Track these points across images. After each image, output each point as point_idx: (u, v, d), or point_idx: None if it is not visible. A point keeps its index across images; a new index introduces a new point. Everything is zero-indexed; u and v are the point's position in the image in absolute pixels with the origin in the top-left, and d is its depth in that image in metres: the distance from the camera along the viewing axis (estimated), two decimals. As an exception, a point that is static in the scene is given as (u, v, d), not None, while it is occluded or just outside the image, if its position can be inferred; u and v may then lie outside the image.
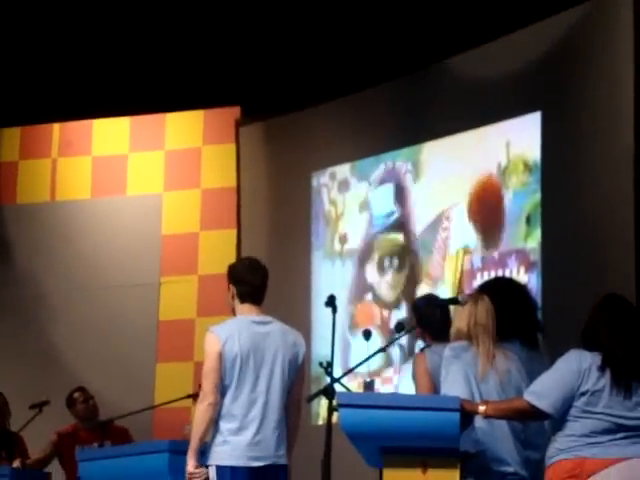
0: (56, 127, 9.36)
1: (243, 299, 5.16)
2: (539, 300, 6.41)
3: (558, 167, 6.90)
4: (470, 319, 4.66)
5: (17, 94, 9.02)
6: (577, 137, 6.81)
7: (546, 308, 6.32)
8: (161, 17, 8.38)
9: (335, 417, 4.79)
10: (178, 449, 5.38)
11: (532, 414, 4.34)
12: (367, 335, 5.61)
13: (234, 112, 8.94)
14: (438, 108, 7.65)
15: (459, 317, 4.79)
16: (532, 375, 4.49)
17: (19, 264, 9.32)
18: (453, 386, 4.57)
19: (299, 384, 5.16)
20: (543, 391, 4.30)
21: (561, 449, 4.31)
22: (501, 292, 4.68)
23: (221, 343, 5.03)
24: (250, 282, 5.11)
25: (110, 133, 9.30)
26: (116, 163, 9.24)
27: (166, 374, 8.74)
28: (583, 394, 4.28)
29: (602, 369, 4.25)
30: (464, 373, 4.57)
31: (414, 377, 5.52)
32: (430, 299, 5.72)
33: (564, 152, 6.88)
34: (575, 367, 4.30)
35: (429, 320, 5.54)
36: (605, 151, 6.61)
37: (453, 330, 4.81)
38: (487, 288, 4.75)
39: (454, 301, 4.81)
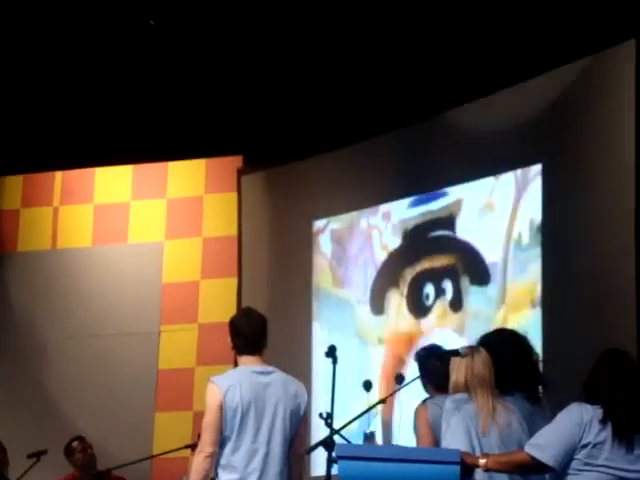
0: (58, 175, 9.39)
1: (242, 350, 5.16)
2: (540, 351, 6.39)
3: (559, 219, 6.91)
4: (467, 372, 4.65)
5: (19, 142, 9.06)
6: (578, 190, 6.84)
7: (547, 360, 6.30)
8: (164, 66, 8.44)
9: (335, 469, 4.75)
10: (176, 500, 5.35)
11: (534, 467, 4.32)
12: (367, 386, 5.58)
13: (236, 161, 8.97)
14: (437, 159, 7.69)
15: (457, 370, 4.78)
16: (533, 428, 4.48)
17: (19, 312, 9.30)
18: (454, 439, 4.55)
19: (301, 435, 5.14)
20: (545, 444, 4.29)
21: (562, 503, 4.29)
22: (501, 344, 4.68)
23: (222, 393, 5.02)
24: (247, 333, 5.12)
25: (112, 181, 9.32)
26: (118, 211, 9.26)
27: (165, 424, 8.69)
28: (584, 447, 4.27)
29: (603, 422, 4.24)
30: (465, 426, 4.55)
31: (415, 429, 5.50)
32: (432, 350, 5.71)
33: (565, 205, 6.90)
34: (577, 420, 4.29)
35: (430, 371, 5.52)
36: (607, 204, 6.63)
37: (451, 383, 4.80)
38: (487, 340, 4.75)
39: (454, 353, 4.81)
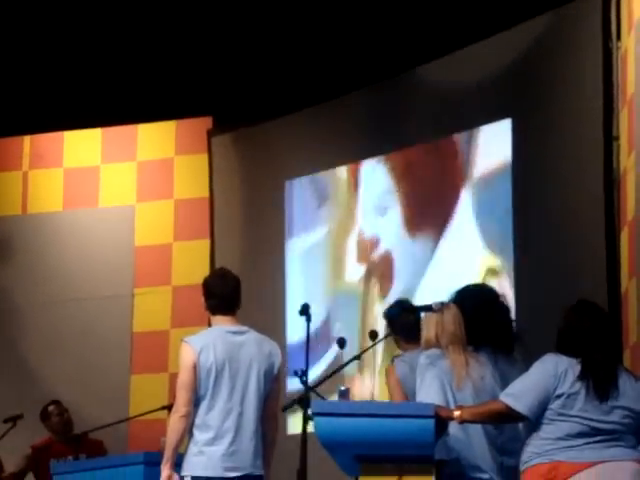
0: (27, 139, 9.31)
1: (215, 310, 5.17)
2: (512, 303, 6.45)
3: (528, 171, 6.93)
4: (437, 328, 4.68)
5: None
6: (546, 141, 6.85)
7: (519, 311, 6.35)
8: (131, 28, 8.36)
9: (310, 426, 4.78)
10: (153, 461, 5.36)
11: (508, 416, 4.36)
12: (341, 344, 5.61)
13: (206, 122, 8.92)
14: (407, 116, 7.67)
15: (427, 327, 4.81)
16: (506, 381, 4.50)
17: (-10, 277, 9.26)
18: (428, 394, 4.58)
19: (275, 394, 5.16)
20: (519, 393, 4.33)
21: (536, 452, 4.33)
22: (471, 299, 4.69)
23: (196, 354, 5.03)
24: (220, 293, 5.12)
25: (81, 145, 9.26)
26: (88, 175, 9.20)
27: (140, 386, 8.70)
28: (559, 397, 4.30)
29: (581, 374, 4.27)
30: (439, 381, 4.58)
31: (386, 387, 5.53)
32: (402, 305, 5.73)
33: (534, 157, 6.92)
34: (551, 370, 4.32)
35: (403, 326, 5.55)
36: (574, 153, 6.66)
37: (423, 339, 4.83)
38: (459, 295, 4.77)
39: (427, 308, 4.82)
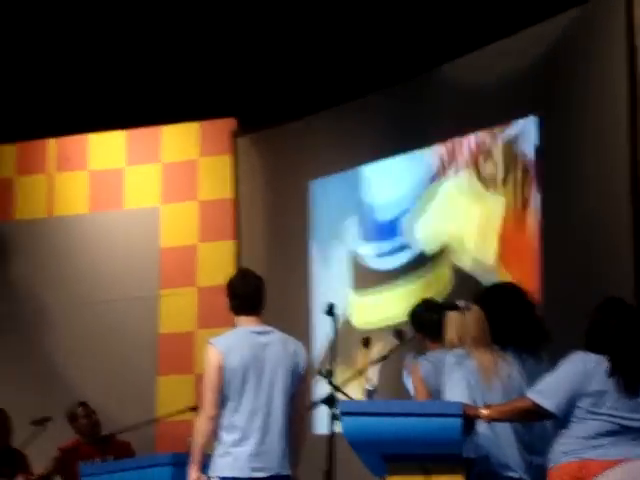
0: (52, 142, 9.36)
1: (240, 311, 5.17)
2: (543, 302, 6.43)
3: (556, 169, 6.90)
4: (460, 329, 4.67)
5: (12, 110, 9.01)
6: (573, 139, 6.82)
7: (547, 310, 6.32)
8: (155, 30, 8.38)
9: (338, 426, 4.77)
10: (181, 462, 5.36)
11: (536, 414, 4.34)
12: (366, 343, 5.60)
13: (230, 123, 8.94)
14: (431, 115, 7.66)
15: (449, 327, 4.81)
16: (533, 380, 4.48)
17: (19, 281, 9.30)
18: (455, 393, 4.57)
19: (302, 394, 5.15)
20: (547, 390, 4.31)
21: (564, 451, 4.30)
22: (495, 298, 4.67)
23: (222, 355, 5.03)
24: (243, 293, 5.13)
25: (106, 147, 9.29)
26: (113, 177, 9.24)
27: (167, 387, 8.72)
28: (588, 395, 4.28)
29: (610, 371, 4.25)
30: (466, 380, 4.57)
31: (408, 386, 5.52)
32: (428, 304, 5.72)
33: (561, 154, 6.89)
34: (580, 368, 4.31)
35: (427, 325, 5.53)
36: (601, 151, 6.62)
37: (446, 339, 4.82)
38: (482, 296, 4.75)
39: (452, 307, 4.81)
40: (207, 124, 9.03)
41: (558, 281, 6.73)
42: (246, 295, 5.13)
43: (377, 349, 6.32)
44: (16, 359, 9.08)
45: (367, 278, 8.00)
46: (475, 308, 4.65)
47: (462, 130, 7.48)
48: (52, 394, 8.67)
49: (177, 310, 8.89)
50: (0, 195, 9.45)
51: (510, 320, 4.61)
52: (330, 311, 5.17)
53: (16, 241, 9.36)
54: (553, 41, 6.95)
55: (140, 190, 9.19)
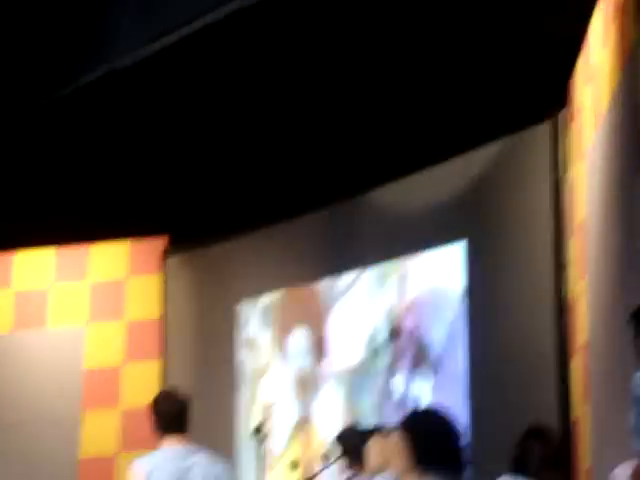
0: (-23, 259, 9.25)
1: (164, 430, 5.09)
2: (468, 427, 6.42)
3: (482, 296, 6.98)
4: (381, 456, 4.65)
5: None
6: (499, 266, 6.92)
7: (474, 435, 6.32)
8: (86, 147, 8.41)
9: None
10: None
11: None
12: (294, 466, 5.54)
13: (161, 242, 8.93)
14: (361, 239, 7.74)
15: (371, 454, 4.78)
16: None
17: None
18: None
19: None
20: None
21: None
22: (420, 423, 4.66)
23: (145, 476, 4.93)
24: (167, 413, 5.06)
25: (32, 265, 9.19)
26: (37, 296, 9.12)
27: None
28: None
29: None
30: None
31: None
32: (352, 430, 5.73)
33: (487, 281, 6.98)
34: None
35: (355, 450, 5.51)
36: (525, 279, 6.72)
37: (368, 465, 4.79)
38: (406, 420, 4.75)
39: (377, 430, 4.79)
40: (137, 243, 9.00)
41: (486, 409, 6.74)
42: (170, 414, 5.06)
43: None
44: None
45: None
46: (394, 434, 4.64)
47: (390, 255, 7.56)
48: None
49: (99, 432, 8.71)
50: None
51: (434, 445, 4.59)
52: (258, 431, 5.12)
53: None
54: (479, 171, 7.12)
55: (66, 309, 9.08)
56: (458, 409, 6.76)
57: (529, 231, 6.76)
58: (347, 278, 7.77)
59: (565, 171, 6.52)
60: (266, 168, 8.15)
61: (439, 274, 7.24)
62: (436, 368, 7.14)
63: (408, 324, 7.35)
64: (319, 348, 7.90)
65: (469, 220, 7.15)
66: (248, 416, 8.04)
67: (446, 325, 7.12)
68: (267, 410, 7.96)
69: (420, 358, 7.24)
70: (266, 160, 8.12)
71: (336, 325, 7.79)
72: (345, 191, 7.81)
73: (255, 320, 8.27)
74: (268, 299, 8.24)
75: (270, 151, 8.07)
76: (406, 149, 7.43)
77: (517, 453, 4.40)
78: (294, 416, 7.87)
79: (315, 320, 7.93)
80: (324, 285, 7.90)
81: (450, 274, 7.16)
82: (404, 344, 7.34)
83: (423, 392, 7.18)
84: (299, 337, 8.00)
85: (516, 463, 4.38)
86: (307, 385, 7.92)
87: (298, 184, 8.03)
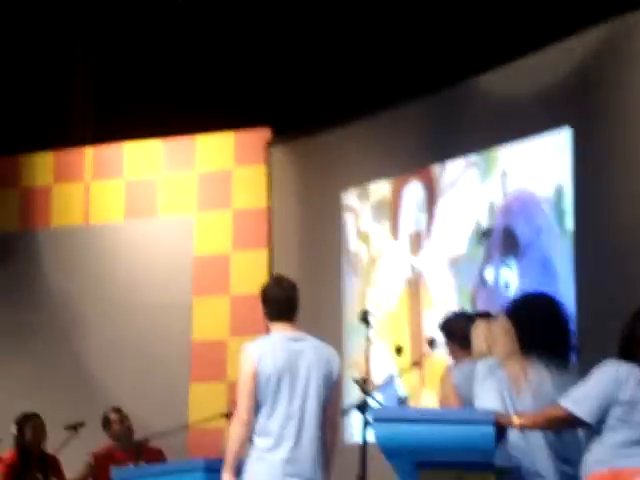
0: (89, 151, 9.45)
1: (274, 317, 5.19)
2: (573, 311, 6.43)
3: (591, 184, 6.90)
4: (488, 339, 4.68)
5: (49, 118, 9.11)
6: (606, 150, 6.82)
7: (581, 321, 6.31)
8: (192, 41, 8.46)
9: (370, 433, 4.79)
10: (213, 468, 5.38)
11: (568, 422, 4.34)
12: (399, 351, 5.62)
13: (264, 133, 9.00)
14: (466, 126, 7.67)
15: (478, 337, 4.82)
16: (561, 390, 4.48)
17: (54, 288, 9.39)
18: (486, 402, 4.58)
19: (335, 400, 5.16)
20: (580, 398, 4.30)
21: (596, 460, 4.30)
22: (524, 309, 4.68)
23: (256, 361, 5.06)
24: (277, 299, 5.15)
25: (141, 156, 9.37)
26: (148, 186, 9.31)
27: (200, 395, 8.76)
28: (620, 404, 4.28)
29: None
30: (498, 389, 4.57)
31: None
32: (459, 313, 5.76)
33: (596, 169, 6.89)
34: (613, 376, 4.30)
35: (459, 334, 5.54)
36: (637, 166, 6.62)
37: (474, 350, 4.83)
38: (511, 306, 4.76)
39: (485, 314, 4.83)
40: (242, 134, 9.09)
41: (593, 290, 6.72)
42: (280, 301, 5.16)
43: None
44: (51, 365, 9.16)
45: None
46: (501, 318, 4.66)
47: (495, 142, 7.50)
48: (86, 400, 8.74)
49: (210, 318, 8.94)
50: (37, 203, 9.55)
51: (538, 331, 4.61)
52: (364, 318, 5.19)
53: (52, 249, 9.45)
54: (586, 54, 6.96)
55: (175, 199, 9.25)
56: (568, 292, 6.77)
57: (639, 114, 6.62)
58: (453, 171, 7.73)
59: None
60: (370, 55, 8.09)
61: (541, 166, 7.16)
62: (522, 256, 7.12)
63: (502, 220, 7.34)
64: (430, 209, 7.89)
65: (575, 105, 7.03)
66: (357, 303, 8.17)
67: (537, 220, 7.08)
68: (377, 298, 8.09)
69: (509, 248, 7.22)
70: (370, 47, 8.06)
71: (444, 214, 7.80)
72: (450, 77, 7.72)
73: (368, 214, 8.30)
74: (380, 192, 8.23)
75: (374, 37, 8.01)
76: (509, 34, 7.29)
77: (624, 335, 4.38)
78: (406, 271, 7.96)
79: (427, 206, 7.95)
80: (434, 172, 7.88)
81: (552, 165, 7.08)
82: (497, 238, 7.33)
83: (511, 279, 7.17)
84: (414, 189, 7.98)
85: (623, 346, 4.36)
86: (418, 242, 7.94)
87: (402, 71, 7.96)
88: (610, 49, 6.84)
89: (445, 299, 7.58)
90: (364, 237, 8.30)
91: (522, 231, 7.20)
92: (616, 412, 4.28)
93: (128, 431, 7.39)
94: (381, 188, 8.24)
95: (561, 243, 7.02)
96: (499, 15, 7.41)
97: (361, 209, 8.34)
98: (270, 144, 8.94)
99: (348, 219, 8.44)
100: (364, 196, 8.34)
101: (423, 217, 7.92)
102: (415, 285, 7.88)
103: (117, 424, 7.39)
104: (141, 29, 8.40)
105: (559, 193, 7.06)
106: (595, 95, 6.94)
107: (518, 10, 7.28)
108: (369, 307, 5.32)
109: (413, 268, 7.89)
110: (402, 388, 6.78)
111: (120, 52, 8.60)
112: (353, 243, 8.38)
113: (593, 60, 6.94)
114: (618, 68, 6.80)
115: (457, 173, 7.71)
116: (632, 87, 6.70)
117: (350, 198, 8.42)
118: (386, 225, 8.20)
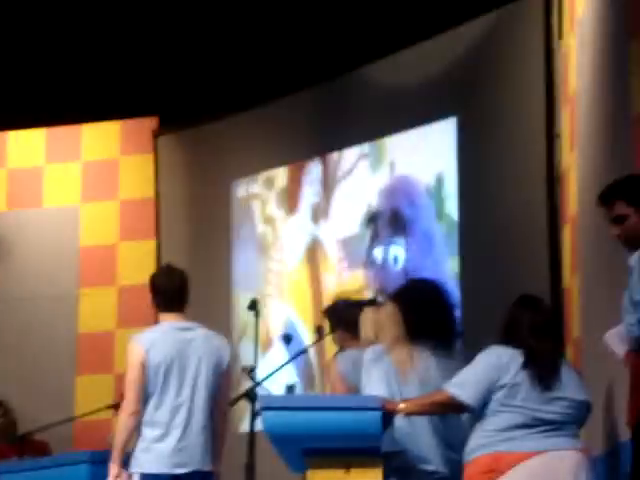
0: (-29, 140, 9.25)
1: (163, 307, 5.17)
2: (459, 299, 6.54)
3: (474, 171, 7.02)
4: (376, 326, 4.73)
5: None
6: (490, 139, 6.94)
7: (464, 309, 6.42)
8: (76, 27, 8.33)
9: (259, 422, 4.80)
10: (99, 459, 5.34)
11: (452, 406, 4.41)
12: (287, 339, 5.64)
13: (151, 122, 8.92)
14: (353, 116, 7.73)
15: (365, 324, 4.87)
16: (448, 377, 4.55)
17: None
18: (374, 388, 4.62)
19: (224, 389, 5.17)
20: (463, 383, 4.38)
21: (480, 444, 4.37)
22: (409, 295, 4.74)
23: (144, 351, 5.04)
24: (166, 289, 5.12)
25: (25, 145, 9.20)
26: (32, 175, 9.15)
27: (86, 387, 8.65)
28: (502, 387, 4.36)
29: (524, 365, 4.34)
30: (385, 375, 4.62)
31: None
32: (346, 301, 5.79)
33: (479, 156, 7.01)
34: (495, 361, 4.38)
35: (346, 321, 5.59)
36: (517, 150, 6.76)
37: (362, 336, 4.88)
38: (397, 292, 4.82)
39: (372, 302, 4.87)
40: (128, 123, 8.98)
41: (476, 279, 6.85)
42: (170, 291, 5.13)
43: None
44: None
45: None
46: (389, 304, 4.72)
47: (383, 131, 7.57)
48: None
49: (97, 309, 8.83)
50: None
51: (423, 317, 4.68)
52: (253, 306, 5.20)
53: None
54: (472, 43, 7.07)
55: (60, 188, 9.11)
56: (432, 270, 6.92)
57: (522, 103, 6.75)
58: (348, 160, 7.79)
59: (558, 41, 6.48)
60: (256, 46, 8.08)
61: (427, 152, 7.27)
62: (407, 233, 7.25)
63: (388, 202, 7.44)
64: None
65: (461, 94, 7.14)
66: (248, 290, 8.19)
67: (418, 200, 7.19)
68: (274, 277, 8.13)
69: (396, 227, 7.34)
70: (256, 38, 8.05)
71: (339, 201, 7.86)
72: (335, 68, 7.77)
73: (273, 200, 8.31)
74: (284, 179, 8.26)
75: (260, 29, 8.00)
76: (396, 24, 7.36)
77: (507, 321, 4.47)
78: (305, 238, 7.99)
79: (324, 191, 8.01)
80: (331, 160, 7.95)
81: (437, 153, 7.19)
82: (383, 220, 7.46)
83: (399, 254, 7.27)
84: (314, 170, 8.01)
85: (506, 331, 4.45)
86: (318, 212, 7.99)
87: (288, 61, 7.97)
88: (495, 39, 6.96)
89: (339, 272, 7.69)
90: (269, 220, 8.32)
91: (406, 212, 7.33)
92: (498, 396, 4.37)
93: (11, 424, 7.28)
94: (284, 175, 8.27)
95: (439, 226, 7.17)
96: (387, 5, 7.47)
97: (267, 196, 8.36)
98: (157, 133, 8.87)
99: (254, 206, 8.43)
100: (269, 183, 8.36)
101: (322, 194, 7.99)
102: (314, 250, 7.94)
103: (0, 417, 7.26)
104: (24, 14, 8.24)
105: (440, 180, 7.18)
106: (480, 84, 7.05)
107: (405, 0, 7.36)
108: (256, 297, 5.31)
109: (313, 236, 7.96)
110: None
111: (3, 39, 8.43)
112: (260, 227, 8.38)
113: (479, 50, 7.05)
114: (502, 57, 6.93)
115: (351, 162, 7.78)
116: (515, 76, 6.83)
117: (255, 186, 8.42)
118: (287, 206, 8.23)
